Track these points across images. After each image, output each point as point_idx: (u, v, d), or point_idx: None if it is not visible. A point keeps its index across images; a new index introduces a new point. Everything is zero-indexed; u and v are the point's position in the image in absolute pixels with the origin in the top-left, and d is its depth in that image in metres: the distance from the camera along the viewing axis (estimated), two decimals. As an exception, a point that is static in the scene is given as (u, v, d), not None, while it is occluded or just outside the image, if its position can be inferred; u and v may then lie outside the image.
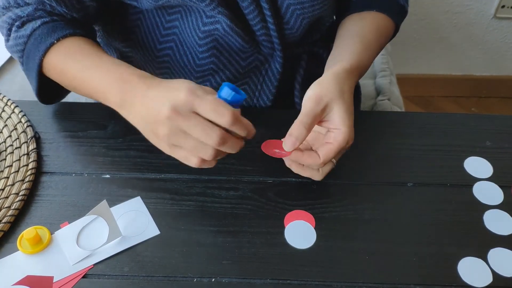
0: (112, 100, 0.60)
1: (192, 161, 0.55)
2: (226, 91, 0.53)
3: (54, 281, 0.55)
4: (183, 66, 0.75)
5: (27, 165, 0.66)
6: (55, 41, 0.65)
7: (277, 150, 0.60)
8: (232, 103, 0.53)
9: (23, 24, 0.67)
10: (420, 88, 1.84)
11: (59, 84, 0.69)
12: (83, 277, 0.57)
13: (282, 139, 0.59)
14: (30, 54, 0.67)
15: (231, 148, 0.54)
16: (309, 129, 0.57)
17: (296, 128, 0.57)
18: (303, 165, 0.62)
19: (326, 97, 0.58)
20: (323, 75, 0.62)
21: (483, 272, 0.58)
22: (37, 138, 0.70)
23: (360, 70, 0.67)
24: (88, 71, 0.63)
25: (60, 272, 0.57)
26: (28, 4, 0.68)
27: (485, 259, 0.59)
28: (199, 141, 0.53)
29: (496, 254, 0.59)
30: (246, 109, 0.78)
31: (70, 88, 0.69)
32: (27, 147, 0.68)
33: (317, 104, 0.58)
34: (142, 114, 0.56)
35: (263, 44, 0.73)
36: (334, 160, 0.62)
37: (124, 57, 0.80)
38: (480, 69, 1.82)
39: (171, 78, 0.77)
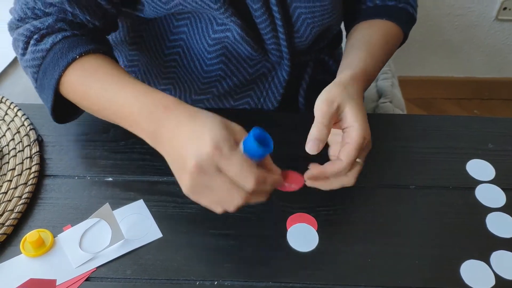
0: (142, 133, 0.56)
1: (215, 210, 0.53)
2: (252, 146, 0.49)
3: (57, 284, 0.55)
4: (190, 72, 0.76)
5: (30, 168, 0.66)
6: (77, 56, 0.60)
7: (287, 184, 0.56)
8: (259, 157, 0.51)
9: (42, 38, 0.62)
10: (422, 90, 1.84)
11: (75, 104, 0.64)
12: (86, 280, 0.57)
13: (288, 170, 0.57)
14: (48, 70, 0.62)
15: (255, 201, 0.53)
16: (328, 128, 0.57)
17: (316, 129, 0.56)
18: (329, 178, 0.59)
19: (337, 99, 0.58)
20: (330, 84, 0.62)
21: (486, 275, 0.58)
22: (40, 141, 0.70)
23: (366, 76, 0.66)
24: (113, 95, 0.58)
25: (63, 275, 0.57)
26: (47, 14, 0.63)
27: (487, 261, 0.59)
28: (223, 197, 0.51)
29: (499, 257, 0.59)
30: (250, 112, 0.79)
31: (89, 111, 0.63)
32: (30, 150, 0.68)
33: (331, 105, 0.57)
34: (170, 156, 0.53)
35: (271, 52, 0.73)
36: (359, 160, 0.58)
37: (130, 61, 0.80)
38: (482, 71, 1.82)
39: (177, 83, 0.78)
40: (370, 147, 0.60)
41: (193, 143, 0.49)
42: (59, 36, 0.62)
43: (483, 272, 0.58)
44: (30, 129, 0.71)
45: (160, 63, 0.77)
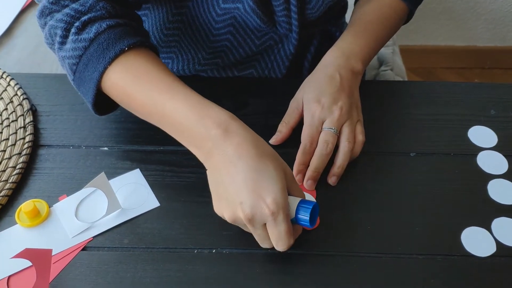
0: (192, 148, 0.55)
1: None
2: (304, 223, 0.53)
3: (53, 254, 0.55)
4: (194, 41, 0.74)
5: (23, 138, 0.65)
6: (126, 48, 0.56)
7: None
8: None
9: (84, 26, 0.57)
10: (422, 60, 1.81)
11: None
12: (83, 249, 0.56)
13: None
14: (91, 62, 0.57)
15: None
16: (288, 124, 0.65)
17: (280, 126, 0.66)
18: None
19: (300, 95, 0.66)
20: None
21: (487, 241, 0.57)
22: (33, 111, 0.69)
23: (354, 52, 0.67)
24: (163, 102, 0.55)
25: (59, 245, 0.56)
26: None
27: (489, 228, 0.58)
28: (256, 238, 0.54)
29: (500, 224, 0.59)
30: (253, 79, 0.77)
31: (132, 111, 0.60)
32: (24, 120, 0.67)
33: (296, 106, 0.66)
34: (221, 185, 0.52)
35: (280, 25, 0.71)
36: (328, 128, 0.63)
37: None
38: (484, 40, 1.79)
39: (180, 53, 0.75)
40: (337, 110, 0.63)
41: (253, 197, 0.50)
42: (103, 25, 0.57)
43: (484, 239, 0.58)
44: (24, 99, 0.69)
45: (162, 30, 0.74)
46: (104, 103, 0.61)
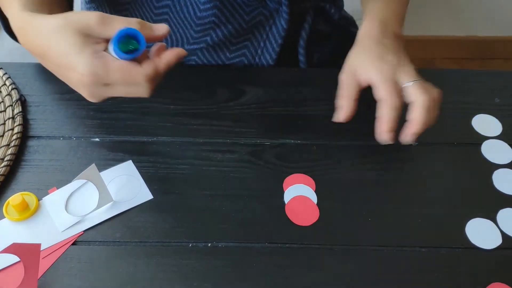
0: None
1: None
2: (121, 56, 0.48)
3: (42, 249, 0.53)
4: (182, 19, 0.71)
5: (12, 129, 0.63)
6: None
7: None
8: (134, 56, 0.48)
9: None
10: (422, 50, 1.79)
11: None
12: (73, 244, 0.54)
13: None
14: None
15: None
16: (349, 96, 0.59)
17: (341, 100, 0.60)
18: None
19: (355, 65, 0.60)
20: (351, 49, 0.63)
21: (492, 233, 0.56)
22: (22, 101, 0.67)
23: (391, 18, 0.65)
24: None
25: (49, 239, 0.54)
26: None
27: (494, 220, 0.57)
28: (129, 95, 0.51)
29: (506, 215, 0.57)
30: (246, 67, 0.75)
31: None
32: (12, 110, 0.65)
33: (351, 74, 0.60)
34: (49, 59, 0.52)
35: None
36: (408, 84, 0.58)
37: (119, 12, 0.76)
38: (484, 30, 1.77)
39: (169, 33, 0.73)
40: (407, 71, 0.58)
41: (70, 76, 0.50)
42: None
43: (489, 231, 0.56)
44: (12, 89, 0.67)
45: (152, 9, 0.72)
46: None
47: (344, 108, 0.59)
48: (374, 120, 0.65)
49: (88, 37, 0.48)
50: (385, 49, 0.60)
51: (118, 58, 0.48)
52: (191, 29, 0.72)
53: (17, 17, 0.54)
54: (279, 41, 0.73)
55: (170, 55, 0.50)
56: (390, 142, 0.57)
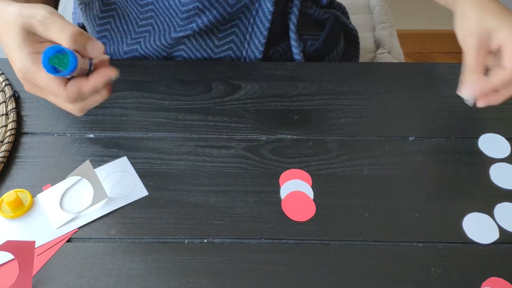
0: None
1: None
2: (50, 71, 0.48)
3: (36, 246, 0.52)
4: (167, 6, 0.70)
5: (6, 125, 0.62)
6: None
7: None
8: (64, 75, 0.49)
9: None
10: (419, 44, 1.79)
11: None
12: (68, 241, 0.54)
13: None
14: None
15: (93, 104, 0.53)
16: (479, 68, 0.54)
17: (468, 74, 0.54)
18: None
19: (484, 25, 0.54)
20: (458, 12, 0.59)
21: (489, 228, 0.55)
22: (16, 97, 0.66)
23: None
24: None
25: (43, 236, 0.54)
26: None
27: (491, 214, 0.56)
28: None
29: (503, 209, 0.57)
30: (241, 63, 0.75)
31: None
32: (6, 107, 0.64)
33: (481, 41, 0.54)
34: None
35: None
36: None
37: (106, 5, 0.75)
38: (482, 24, 1.76)
39: (156, 23, 0.73)
40: None
41: (13, 66, 0.51)
42: None
43: (486, 225, 0.55)
44: (6, 85, 0.66)
45: (138, 1, 0.72)
46: None
47: (476, 85, 0.53)
48: (371, 115, 0.65)
49: (30, 34, 0.49)
50: (504, 7, 0.55)
51: (44, 68, 0.48)
52: (176, 17, 0.71)
53: None
54: (266, 24, 0.72)
55: (97, 77, 0.51)
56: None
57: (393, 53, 0.93)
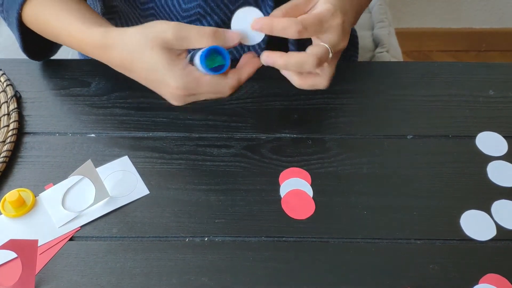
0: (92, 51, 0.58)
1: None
2: (209, 71, 0.52)
3: (39, 245, 0.53)
4: (168, 11, 0.71)
5: (8, 125, 0.63)
6: None
7: None
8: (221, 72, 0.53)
9: None
10: (418, 43, 1.79)
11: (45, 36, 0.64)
12: (70, 239, 0.54)
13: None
14: (10, 6, 0.61)
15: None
16: (284, 12, 0.52)
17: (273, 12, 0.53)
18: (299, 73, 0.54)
19: None
20: None
21: (487, 225, 0.56)
22: (18, 97, 0.67)
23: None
24: (64, 19, 0.59)
25: (46, 235, 0.54)
26: None
27: (488, 211, 0.57)
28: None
29: (500, 207, 0.57)
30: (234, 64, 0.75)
31: (55, 40, 0.63)
32: (8, 107, 0.65)
33: None
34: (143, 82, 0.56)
35: None
36: (323, 44, 0.52)
37: (109, 7, 0.76)
38: (480, 22, 1.77)
39: None
40: (341, 44, 0.53)
41: (162, 89, 0.54)
42: None
43: (484, 223, 0.56)
44: (7, 85, 0.67)
45: (138, 5, 0.72)
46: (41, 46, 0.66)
47: (269, 16, 0.52)
48: (370, 114, 0.66)
49: (170, 51, 0.52)
50: (352, 7, 0.55)
51: (204, 71, 0.52)
52: (177, 21, 0.71)
53: (89, 35, 0.57)
54: None
55: (251, 67, 0.54)
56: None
57: (392, 51, 0.93)
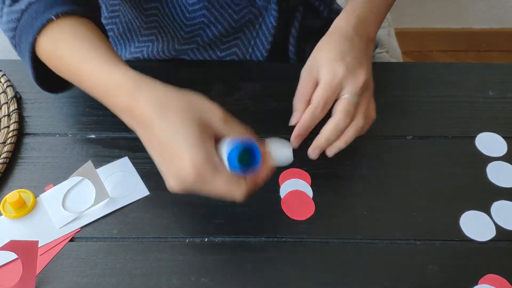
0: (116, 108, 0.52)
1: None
2: (236, 168, 0.45)
3: (40, 246, 0.53)
4: (172, 20, 0.71)
5: (8, 126, 0.63)
6: (53, 17, 0.53)
7: None
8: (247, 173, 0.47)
9: None
10: (417, 43, 1.79)
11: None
12: (70, 240, 0.54)
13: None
14: (23, 33, 0.55)
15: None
16: (304, 97, 0.56)
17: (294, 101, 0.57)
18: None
19: (316, 65, 0.57)
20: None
21: (486, 225, 0.56)
22: (18, 98, 0.67)
23: (369, 18, 0.61)
24: (88, 64, 0.52)
25: (46, 236, 0.54)
26: None
27: (488, 212, 0.57)
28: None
29: (500, 207, 0.57)
30: (238, 63, 0.75)
31: (70, 80, 0.56)
32: (8, 108, 0.65)
33: (309, 73, 0.57)
34: (153, 153, 0.49)
35: None
36: (347, 96, 0.55)
37: (111, 12, 0.76)
38: (480, 22, 1.77)
39: (159, 33, 0.73)
40: (360, 86, 0.55)
41: (172, 168, 0.46)
42: None
43: (483, 223, 0.56)
44: (7, 86, 0.67)
45: (142, 11, 0.72)
46: (52, 79, 0.58)
47: (299, 112, 0.56)
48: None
49: (205, 129, 0.46)
50: (350, 47, 0.57)
51: (228, 167, 0.46)
52: (181, 30, 0.72)
53: (118, 76, 0.50)
54: (269, 38, 0.73)
55: (266, 173, 0.49)
56: (295, 146, 0.56)
57: (391, 52, 0.93)
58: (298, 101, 0.57)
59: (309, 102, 0.56)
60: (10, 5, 0.56)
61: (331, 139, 0.55)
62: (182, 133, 0.45)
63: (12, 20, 0.55)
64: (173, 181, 0.46)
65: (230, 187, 0.46)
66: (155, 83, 0.49)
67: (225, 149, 0.46)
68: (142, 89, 0.48)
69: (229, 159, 0.45)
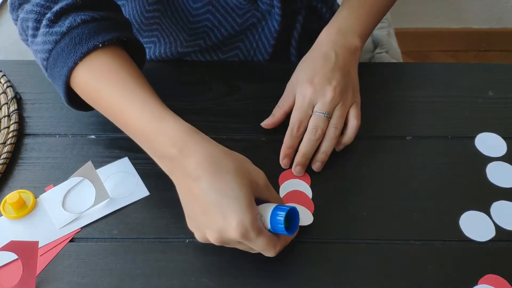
0: (161, 166, 0.53)
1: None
2: (280, 231, 0.49)
3: (40, 246, 0.53)
4: (175, 23, 0.71)
5: (8, 127, 0.63)
6: (100, 44, 0.53)
7: None
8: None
9: (57, 18, 0.54)
10: (417, 43, 1.79)
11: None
12: (70, 241, 0.55)
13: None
14: (60, 57, 0.54)
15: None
16: (282, 109, 0.63)
17: (274, 110, 0.64)
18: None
19: (295, 84, 0.63)
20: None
21: (486, 226, 0.56)
22: (18, 99, 0.67)
23: (350, 28, 0.64)
24: (130, 107, 0.52)
25: (46, 236, 0.54)
26: None
27: (487, 212, 0.57)
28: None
29: (499, 207, 0.57)
30: (241, 63, 0.75)
31: (104, 114, 0.56)
32: (8, 108, 0.65)
33: (291, 89, 0.63)
34: (185, 209, 0.52)
35: (261, 1, 0.68)
36: (321, 112, 0.60)
37: None
38: (480, 22, 1.77)
39: (161, 36, 0.73)
40: (328, 95, 0.60)
41: (218, 222, 0.47)
42: (78, 19, 0.53)
43: (483, 223, 0.56)
44: (8, 87, 0.67)
45: (143, 13, 0.72)
46: (81, 101, 0.58)
47: (273, 118, 0.63)
48: (369, 115, 0.66)
49: (252, 194, 0.49)
50: (322, 65, 0.61)
51: (270, 227, 0.50)
52: (184, 33, 0.72)
53: (169, 126, 0.51)
54: (272, 41, 0.73)
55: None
56: (285, 167, 0.61)
57: (391, 52, 0.93)
58: (277, 109, 0.63)
59: (286, 112, 0.62)
60: (49, 26, 0.54)
61: (307, 154, 0.59)
62: (233, 194, 0.47)
63: (49, 42, 0.54)
64: (213, 234, 0.48)
65: (268, 246, 0.49)
66: (203, 138, 0.51)
67: (268, 212, 0.50)
68: (192, 143, 0.50)
69: (275, 221, 0.49)
